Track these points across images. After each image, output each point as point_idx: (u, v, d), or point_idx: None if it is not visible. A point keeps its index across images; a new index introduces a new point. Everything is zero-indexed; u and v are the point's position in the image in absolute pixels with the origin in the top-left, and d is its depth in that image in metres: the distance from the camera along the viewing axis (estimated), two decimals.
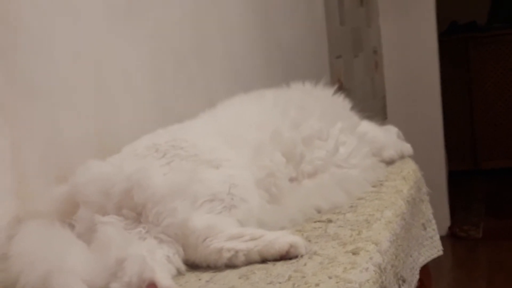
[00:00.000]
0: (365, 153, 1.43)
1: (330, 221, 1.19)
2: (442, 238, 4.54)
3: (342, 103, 1.55)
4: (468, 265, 3.80)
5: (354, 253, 1.00)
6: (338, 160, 1.35)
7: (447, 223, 4.28)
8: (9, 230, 1.09)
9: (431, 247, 1.54)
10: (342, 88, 3.27)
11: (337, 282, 0.89)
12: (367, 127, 1.53)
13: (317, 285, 0.89)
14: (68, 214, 1.06)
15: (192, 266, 1.01)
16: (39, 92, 1.24)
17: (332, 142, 1.35)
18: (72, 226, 1.04)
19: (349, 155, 1.37)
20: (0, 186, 1.13)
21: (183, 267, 1.00)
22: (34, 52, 1.23)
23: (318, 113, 1.37)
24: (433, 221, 1.57)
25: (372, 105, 3.94)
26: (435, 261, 4.12)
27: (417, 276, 1.36)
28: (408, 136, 4.84)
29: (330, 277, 0.91)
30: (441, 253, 1.58)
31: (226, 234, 1.01)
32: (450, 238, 4.21)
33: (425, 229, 1.52)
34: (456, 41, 5.42)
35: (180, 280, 0.97)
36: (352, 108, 1.63)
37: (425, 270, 2.59)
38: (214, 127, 1.25)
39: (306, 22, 2.81)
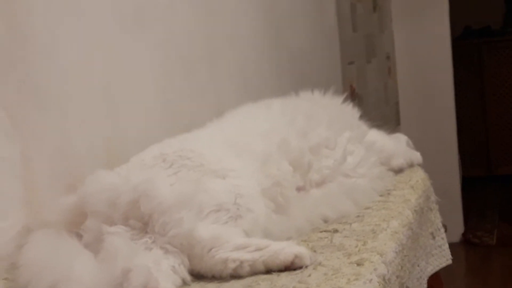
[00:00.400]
0: (373, 162, 1.43)
1: (336, 231, 1.19)
2: (455, 244, 4.53)
3: (350, 111, 1.56)
4: (481, 272, 3.79)
5: (359, 264, 1.01)
6: (346, 170, 1.36)
7: (460, 229, 4.26)
8: (19, 240, 1.11)
9: (440, 256, 1.54)
10: (354, 94, 3.28)
11: None
12: (376, 136, 1.54)
13: None
14: (76, 224, 1.07)
15: (198, 276, 1.02)
16: (49, 102, 1.26)
17: (340, 151, 1.35)
18: (80, 236, 1.05)
19: (357, 164, 1.37)
20: (10, 195, 1.15)
21: (188, 278, 1.00)
22: (45, 62, 1.24)
23: (325, 122, 1.38)
24: (442, 230, 1.57)
25: (385, 111, 3.94)
26: (448, 268, 4.09)
27: (425, 286, 1.36)
28: (421, 142, 4.80)
29: None
30: (450, 262, 1.58)
31: (232, 244, 1.02)
32: (464, 245, 4.19)
33: (433, 238, 1.52)
34: (470, 46, 5.40)
35: None
36: (361, 116, 1.63)
37: (436, 278, 2.58)
38: (221, 136, 1.26)
39: (317, 29, 2.82)
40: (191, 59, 1.77)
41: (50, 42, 1.25)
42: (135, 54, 1.53)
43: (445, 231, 2.83)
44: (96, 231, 1.03)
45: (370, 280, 0.96)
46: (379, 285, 0.97)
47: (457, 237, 4.22)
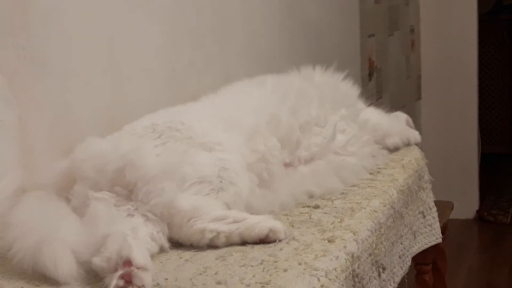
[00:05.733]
0: (365, 140, 1.45)
1: (317, 207, 1.23)
2: (469, 221, 4.51)
3: (349, 89, 1.57)
4: (492, 250, 3.79)
5: (330, 240, 1.04)
6: (336, 147, 1.38)
7: (475, 206, 4.26)
8: (14, 199, 1.17)
9: (430, 235, 1.57)
10: (373, 67, 3.28)
11: (304, 269, 0.94)
12: (371, 114, 1.55)
13: (285, 270, 0.93)
14: (67, 188, 1.13)
15: (176, 244, 1.07)
16: (50, 68, 1.29)
17: (330, 129, 1.38)
18: (69, 200, 1.10)
19: (347, 142, 1.39)
20: (6, 157, 1.20)
21: (167, 245, 1.05)
22: (45, 27, 1.27)
23: (317, 100, 1.40)
24: (434, 209, 1.59)
25: (406, 84, 3.93)
26: (460, 244, 4.09)
27: (408, 263, 1.39)
28: (441, 117, 4.75)
29: (299, 264, 0.96)
30: (440, 240, 1.60)
31: (211, 215, 1.07)
32: (478, 222, 4.20)
33: (424, 217, 1.55)
34: (501, 22, 5.31)
35: (162, 257, 1.03)
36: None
37: (440, 253, 2.61)
38: (213, 110, 1.29)
39: (336, 0, 2.81)
40: (200, 30, 1.79)
41: (51, 8, 1.28)
42: (140, 23, 1.55)
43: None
44: (84, 196, 1.08)
45: (337, 257, 0.99)
46: (346, 262, 1.00)
47: (471, 214, 4.23)
